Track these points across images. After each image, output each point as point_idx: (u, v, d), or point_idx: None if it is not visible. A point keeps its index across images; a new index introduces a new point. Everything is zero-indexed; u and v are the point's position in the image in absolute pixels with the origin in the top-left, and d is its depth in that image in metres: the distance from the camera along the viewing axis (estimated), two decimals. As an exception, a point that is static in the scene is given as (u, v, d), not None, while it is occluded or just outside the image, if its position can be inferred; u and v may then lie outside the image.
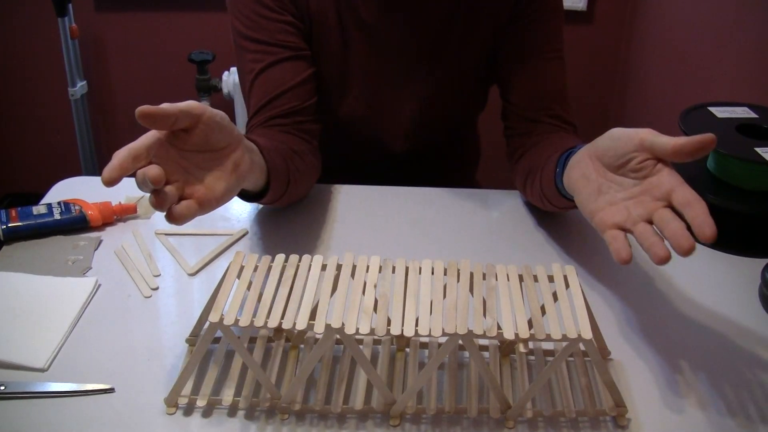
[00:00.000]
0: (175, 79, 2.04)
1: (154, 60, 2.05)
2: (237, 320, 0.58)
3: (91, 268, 0.80)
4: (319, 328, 0.57)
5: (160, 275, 0.79)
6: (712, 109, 0.97)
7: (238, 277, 0.63)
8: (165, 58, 2.04)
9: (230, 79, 1.91)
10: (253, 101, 0.91)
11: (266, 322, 0.58)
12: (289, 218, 0.91)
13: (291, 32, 0.90)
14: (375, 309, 0.60)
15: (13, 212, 0.84)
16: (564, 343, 0.58)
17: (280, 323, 0.58)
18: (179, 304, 0.75)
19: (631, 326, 0.74)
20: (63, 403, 0.61)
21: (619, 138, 0.65)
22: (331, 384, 0.64)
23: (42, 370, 0.65)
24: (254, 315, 0.58)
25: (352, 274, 0.63)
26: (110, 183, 0.53)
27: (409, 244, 0.87)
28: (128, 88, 2.10)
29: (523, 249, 0.87)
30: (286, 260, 0.65)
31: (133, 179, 0.55)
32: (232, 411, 0.62)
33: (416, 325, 0.58)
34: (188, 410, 0.62)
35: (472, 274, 0.64)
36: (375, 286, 0.62)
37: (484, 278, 0.64)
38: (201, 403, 0.62)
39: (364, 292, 0.61)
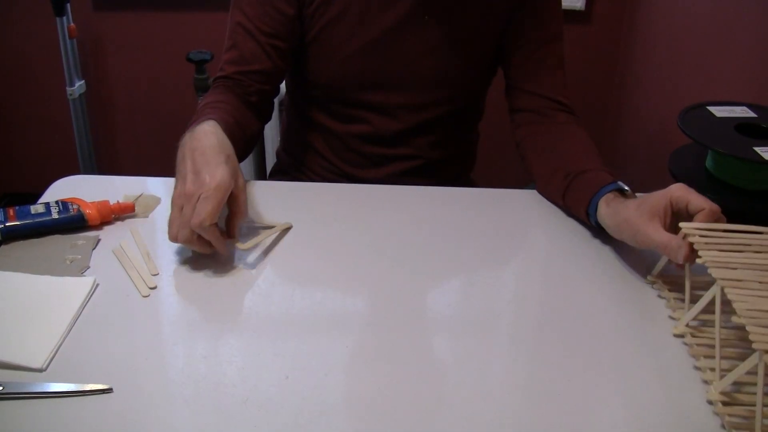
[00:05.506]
0: (173, 78, 2.04)
1: (152, 59, 2.05)
2: None
3: (89, 267, 0.80)
4: None
5: (158, 274, 0.79)
6: (711, 109, 0.97)
7: None
8: (163, 57, 2.04)
9: (229, 78, 1.90)
10: (229, 56, 1.00)
11: None
12: (290, 216, 0.91)
13: (279, 20, 0.96)
14: None
15: (11, 211, 0.84)
16: None
17: None
18: (178, 303, 0.75)
19: (631, 325, 0.74)
20: (61, 403, 0.61)
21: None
22: None
23: (40, 371, 0.65)
24: None
25: None
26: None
27: (408, 244, 0.87)
28: (126, 88, 2.10)
29: (523, 249, 0.87)
30: None
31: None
32: None
33: None
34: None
35: None
36: None
37: None
38: None
39: None
